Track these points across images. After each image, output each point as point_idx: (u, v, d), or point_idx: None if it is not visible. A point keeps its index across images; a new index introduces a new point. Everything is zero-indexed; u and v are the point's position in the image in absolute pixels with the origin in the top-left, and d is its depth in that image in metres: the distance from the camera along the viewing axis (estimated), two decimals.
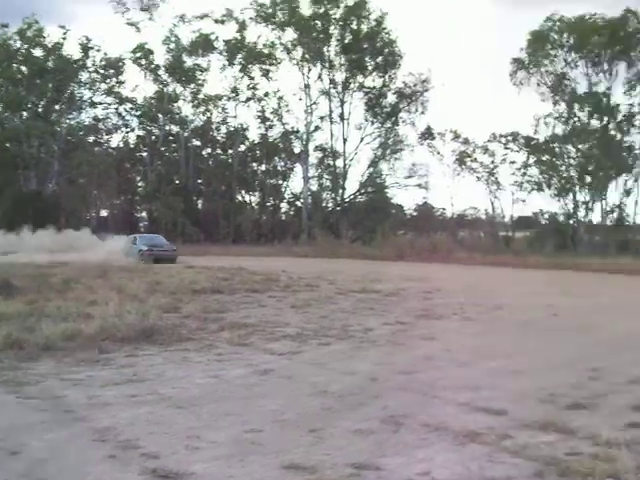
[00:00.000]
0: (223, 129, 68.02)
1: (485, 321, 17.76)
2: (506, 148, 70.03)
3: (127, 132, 69.40)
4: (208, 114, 67.16)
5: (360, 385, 10.27)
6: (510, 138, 69.51)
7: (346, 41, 61.70)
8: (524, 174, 69.25)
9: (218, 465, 6.76)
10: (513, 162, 69.64)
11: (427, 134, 67.04)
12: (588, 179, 65.03)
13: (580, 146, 64.49)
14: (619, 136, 64.90)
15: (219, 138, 68.55)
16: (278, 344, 13.69)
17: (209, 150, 69.50)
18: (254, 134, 66.86)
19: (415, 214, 74.21)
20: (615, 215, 66.03)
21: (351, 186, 65.19)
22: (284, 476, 6.48)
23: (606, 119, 62.72)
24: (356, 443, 7.52)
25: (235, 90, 64.33)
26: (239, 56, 63.12)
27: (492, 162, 70.49)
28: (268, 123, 64.98)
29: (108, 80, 66.93)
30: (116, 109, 68.04)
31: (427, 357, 12.59)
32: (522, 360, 12.48)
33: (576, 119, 63.94)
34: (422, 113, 64.02)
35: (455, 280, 30.04)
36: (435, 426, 8.10)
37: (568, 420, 8.29)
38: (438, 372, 11.34)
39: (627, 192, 64.81)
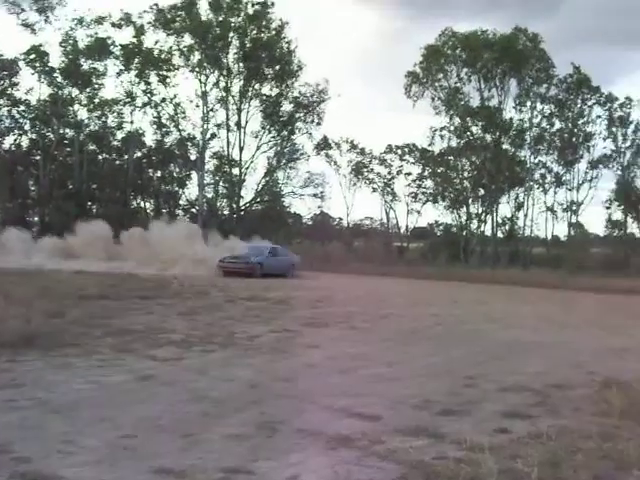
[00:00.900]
0: (119, 134, 67.32)
1: (370, 330, 17.97)
2: (402, 160, 71.01)
3: (20, 135, 68.03)
4: (104, 118, 66.28)
5: (239, 392, 10.32)
6: (406, 150, 70.53)
7: (245, 49, 61.63)
8: (419, 186, 70.34)
9: (89, 469, 6.72)
10: (409, 174, 70.69)
11: (323, 144, 67.55)
12: (481, 192, 66.29)
13: (474, 159, 65.70)
14: (512, 150, 66.37)
15: (115, 143, 67.75)
16: (162, 351, 13.61)
17: (104, 155, 68.62)
18: (150, 140, 66.33)
19: (312, 223, 74.59)
20: (507, 227, 67.46)
21: (248, 194, 65.16)
22: None
23: (498, 133, 64.02)
24: (230, 448, 7.56)
25: (131, 95, 63.66)
26: (136, 61, 62.52)
27: (388, 173, 71.39)
28: (164, 129, 64.42)
29: (1, 82, 65.52)
30: (9, 111, 66.63)
31: (309, 365, 12.69)
32: (402, 368, 12.69)
33: (469, 133, 65.13)
34: (318, 124, 64.41)
35: (345, 290, 30.30)
36: (309, 431, 8.20)
37: (439, 426, 8.49)
38: (319, 379, 11.46)
39: (519, 205, 66.30)
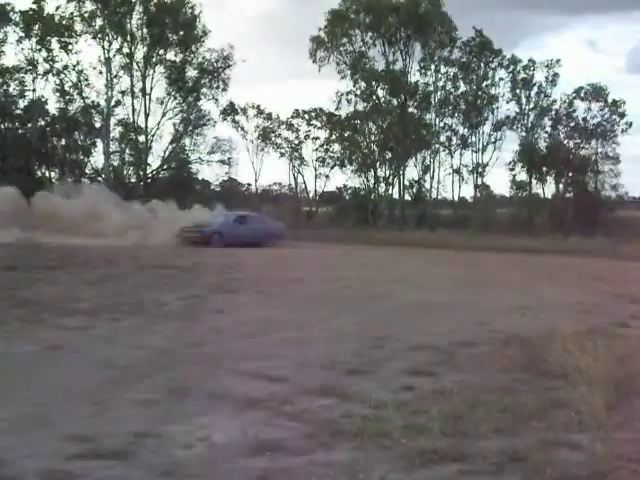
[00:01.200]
0: (21, 103, 65.85)
1: (279, 294, 18.12)
2: (309, 124, 71.06)
3: None
4: (5, 87, 64.76)
5: (148, 358, 10.37)
6: (313, 114, 70.56)
7: (148, 14, 60.70)
8: (327, 150, 70.53)
9: None
10: (316, 138, 70.79)
11: (230, 110, 67.18)
12: (389, 155, 66.79)
13: (380, 123, 66.09)
14: (418, 113, 66.95)
15: (17, 112, 66.29)
16: (71, 320, 13.54)
17: (7, 124, 67.11)
18: (54, 108, 65.04)
19: (220, 190, 74.22)
20: (414, 190, 68.13)
21: (154, 161, 64.46)
22: (63, 446, 6.51)
23: (404, 97, 64.47)
24: (140, 413, 7.64)
25: (33, 63, 62.31)
26: (36, 28, 61.13)
27: (296, 138, 71.39)
28: (68, 97, 63.15)
29: None
30: None
31: (217, 330, 12.77)
32: (311, 330, 12.87)
33: (375, 97, 65.47)
34: (224, 89, 63.86)
35: (253, 255, 30.30)
36: (219, 395, 8.32)
37: (346, 385, 8.69)
38: (227, 344, 11.57)
39: (425, 168, 66.98)
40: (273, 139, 71.11)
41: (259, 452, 6.43)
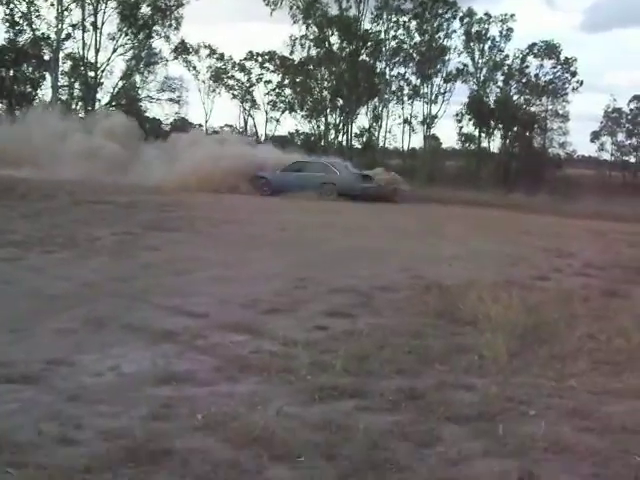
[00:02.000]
0: None
1: (214, 234, 18.18)
2: (262, 67, 70.68)
3: None
4: None
5: (74, 290, 10.54)
6: (266, 57, 70.17)
7: None
8: (279, 94, 70.28)
9: None
10: (269, 82, 70.49)
11: (182, 49, 66.52)
12: (340, 102, 66.67)
13: (333, 69, 65.89)
14: (370, 61, 66.82)
15: None
16: (1, 251, 13.63)
17: None
18: (2, 39, 63.94)
19: (170, 129, 73.68)
20: (364, 138, 68.21)
21: (104, 97, 63.74)
22: None
23: (356, 44, 64.24)
24: (56, 342, 7.84)
25: None
26: None
27: (248, 80, 71.02)
28: (17, 28, 62.19)
29: None
30: None
31: (147, 266, 12.92)
32: (238, 270, 13.07)
33: (328, 43, 65.17)
34: (176, 28, 63.14)
35: (194, 195, 30.16)
36: (136, 327, 8.54)
37: (262, 323, 8.93)
38: (154, 280, 11.72)
39: (376, 117, 67.04)
40: (225, 80, 70.70)
41: (166, 382, 6.65)
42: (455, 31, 67.06)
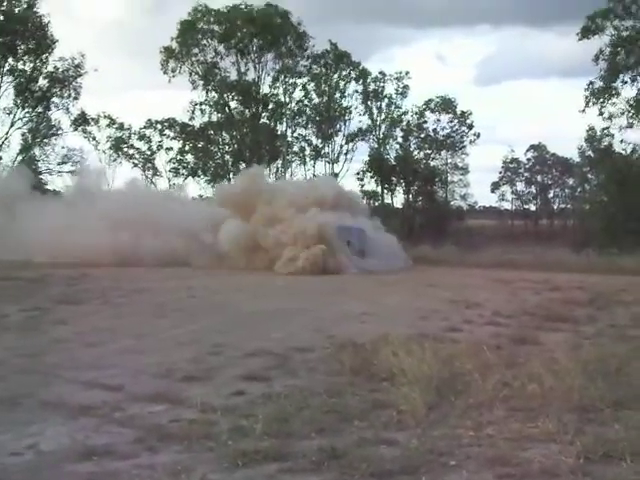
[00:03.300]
0: None
1: (124, 304, 18.04)
2: (162, 134, 70.52)
3: None
4: None
5: None
6: (166, 125, 70.05)
7: None
8: (180, 161, 70.14)
9: None
10: (170, 149, 70.31)
11: (81, 119, 66.07)
12: (243, 165, 66.86)
13: (234, 133, 66.16)
14: (271, 124, 67.33)
15: None
16: None
17: None
18: None
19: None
20: None
21: (3, 172, 62.80)
22: None
23: (257, 108, 64.71)
24: None
25: None
26: None
27: (148, 149, 70.75)
28: None
29: None
30: None
31: (57, 340, 12.77)
32: (150, 339, 13.01)
33: (228, 107, 65.48)
34: (75, 98, 62.75)
35: (103, 267, 29.80)
36: (52, 403, 8.42)
37: (179, 391, 8.89)
38: (65, 354, 11.58)
39: (279, 178, 67.37)
40: (125, 149, 70.37)
41: (86, 457, 6.58)
42: (357, 91, 68.19)
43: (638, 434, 7.08)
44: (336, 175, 66.62)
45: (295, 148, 68.28)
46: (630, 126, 50.16)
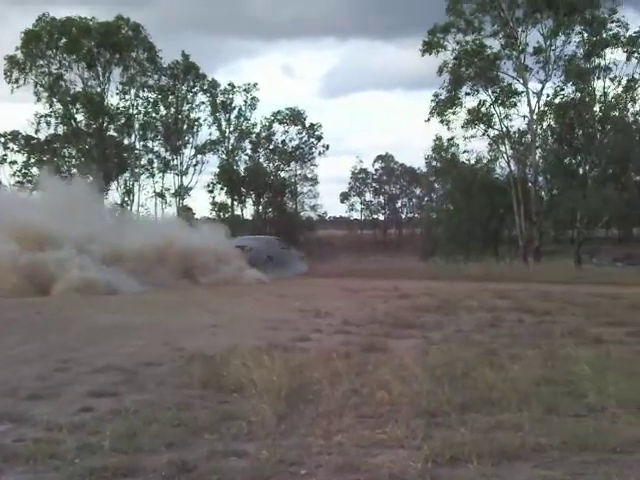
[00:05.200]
0: None
1: None
2: (6, 148, 68.79)
3: None
4: None
5: None
6: (9, 137, 68.39)
7: None
8: (25, 174, 68.48)
9: None
10: (14, 162, 68.61)
11: None
12: (90, 179, 65.56)
13: (80, 146, 65.04)
14: (119, 137, 66.53)
15: None
16: None
17: None
18: None
19: None
20: (117, 213, 67.45)
21: None
22: None
23: (103, 120, 63.79)
24: None
25: None
26: None
27: None
28: None
29: None
30: None
31: None
32: None
33: (74, 120, 64.35)
34: None
35: None
36: None
37: (24, 410, 8.64)
38: None
39: (128, 191, 66.61)
40: None
41: None
42: (204, 103, 68.12)
43: (483, 436, 7.28)
44: (187, 188, 66.38)
45: (143, 161, 67.71)
46: (473, 136, 51.70)
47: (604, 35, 50.19)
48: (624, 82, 51.14)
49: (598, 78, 51.31)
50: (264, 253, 37.22)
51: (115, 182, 66.50)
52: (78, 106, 63.22)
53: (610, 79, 51.34)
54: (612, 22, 50.06)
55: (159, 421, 7.96)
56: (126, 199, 66.44)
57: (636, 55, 50.33)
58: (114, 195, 67.06)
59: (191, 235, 34.22)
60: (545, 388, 9.27)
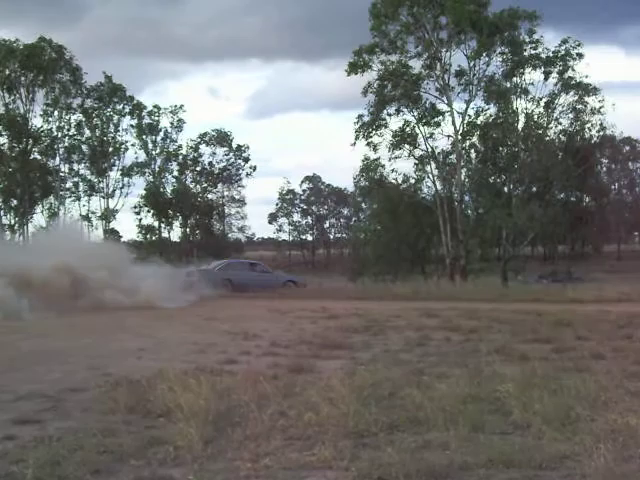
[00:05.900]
0: None
1: None
2: None
3: None
4: None
5: None
6: None
7: None
8: None
9: None
10: None
11: None
12: (14, 202, 64.71)
13: (4, 169, 64.05)
14: (43, 159, 65.67)
15: None
16: None
17: None
18: None
19: None
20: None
21: None
22: None
23: (26, 143, 62.91)
24: None
25: None
26: None
27: None
28: None
29: None
30: None
31: None
32: None
33: None
34: None
35: None
36: None
37: None
38: None
39: (53, 214, 65.73)
40: None
41: None
42: (133, 125, 67.70)
43: (411, 456, 7.31)
44: (113, 211, 65.85)
45: (69, 184, 66.92)
46: (398, 157, 52.00)
47: (524, 54, 50.85)
48: (543, 102, 51.79)
49: (519, 97, 51.92)
50: (222, 277, 39.88)
51: (40, 205, 65.65)
52: (0, 128, 62.31)
53: (529, 100, 51.97)
54: (531, 43, 50.75)
55: (84, 448, 7.85)
56: (51, 223, 65.35)
57: (553, 75, 51.09)
58: (39, 219, 66.24)
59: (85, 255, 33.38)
60: (471, 406, 9.32)
